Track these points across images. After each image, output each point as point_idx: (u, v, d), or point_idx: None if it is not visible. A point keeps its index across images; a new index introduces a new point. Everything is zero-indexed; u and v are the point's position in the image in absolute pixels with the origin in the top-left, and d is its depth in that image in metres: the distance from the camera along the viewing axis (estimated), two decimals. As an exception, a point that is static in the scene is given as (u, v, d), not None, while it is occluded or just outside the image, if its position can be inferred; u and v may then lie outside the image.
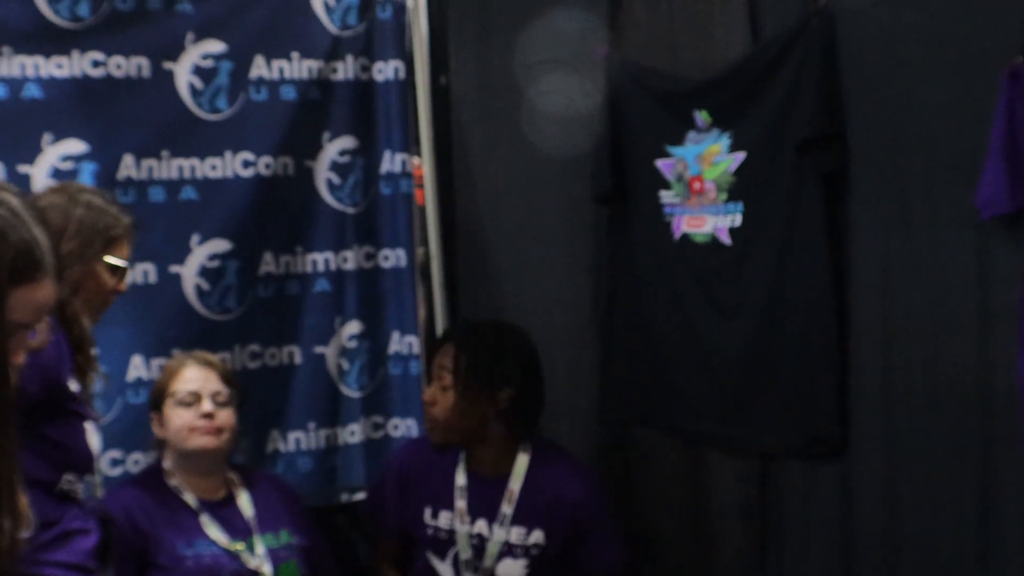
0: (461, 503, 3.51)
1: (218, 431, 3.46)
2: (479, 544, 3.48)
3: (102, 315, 3.03)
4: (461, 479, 3.53)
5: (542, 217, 4.01)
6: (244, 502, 3.53)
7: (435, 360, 3.56)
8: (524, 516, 3.46)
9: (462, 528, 3.49)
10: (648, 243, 3.60)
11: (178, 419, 3.45)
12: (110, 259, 2.96)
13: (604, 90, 3.68)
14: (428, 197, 4.20)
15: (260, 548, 3.46)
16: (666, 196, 3.52)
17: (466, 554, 3.48)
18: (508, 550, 3.46)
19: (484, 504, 3.49)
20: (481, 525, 3.49)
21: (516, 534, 3.46)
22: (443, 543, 3.52)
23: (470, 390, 3.45)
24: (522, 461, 3.51)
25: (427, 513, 3.55)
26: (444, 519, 3.52)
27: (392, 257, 4.11)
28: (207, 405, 3.45)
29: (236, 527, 3.48)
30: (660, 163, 3.52)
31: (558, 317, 3.96)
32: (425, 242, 4.22)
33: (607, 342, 3.79)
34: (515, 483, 3.49)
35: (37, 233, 1.87)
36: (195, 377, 3.49)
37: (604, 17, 3.73)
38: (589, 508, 3.48)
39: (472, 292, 4.20)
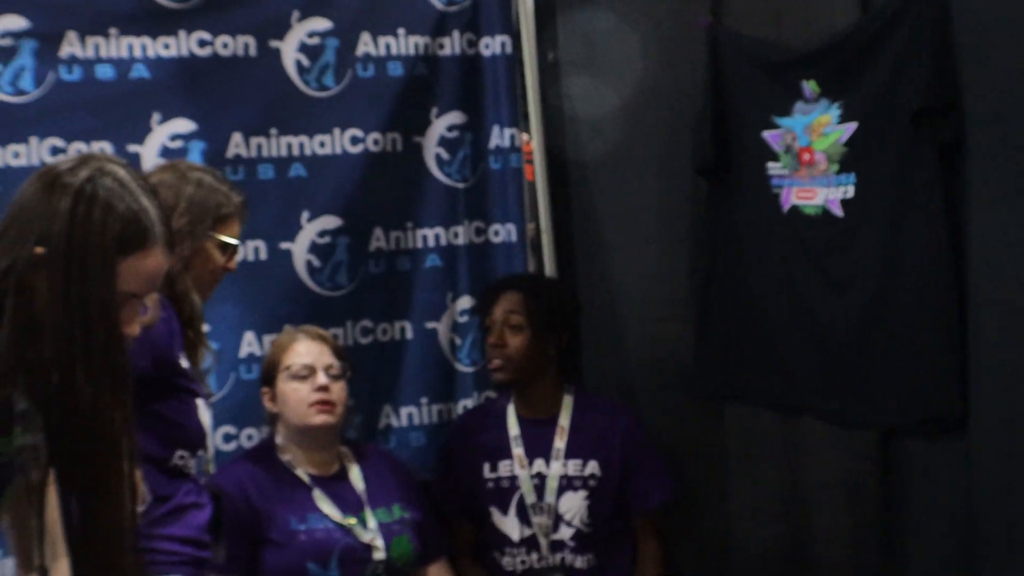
0: (518, 449, 3.73)
1: (333, 406, 3.47)
2: (540, 484, 3.68)
3: (212, 292, 3.05)
4: (514, 428, 3.76)
5: (647, 189, 3.98)
6: (356, 477, 3.55)
7: (495, 307, 3.77)
8: (577, 449, 3.70)
9: (523, 472, 3.69)
10: (753, 216, 3.55)
11: (293, 393, 3.47)
12: (220, 237, 2.97)
13: (707, 61, 3.63)
14: (537, 172, 4.17)
15: (372, 523, 3.47)
16: (773, 168, 3.46)
17: (530, 497, 3.67)
18: (567, 483, 3.67)
19: (538, 444, 3.72)
20: (539, 464, 3.70)
21: (572, 466, 3.69)
22: (505, 492, 3.70)
23: (542, 330, 3.72)
24: (568, 401, 3.78)
25: (486, 468, 3.72)
26: (503, 468, 3.72)
27: (503, 232, 4.10)
28: (321, 378, 3.46)
29: (348, 502, 3.49)
30: (767, 134, 3.47)
31: (656, 291, 3.95)
32: (535, 217, 4.20)
33: (703, 315, 3.76)
34: (564, 420, 3.75)
35: (146, 203, 1.89)
36: (308, 351, 3.50)
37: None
38: (635, 440, 3.73)
39: (581, 266, 4.17)
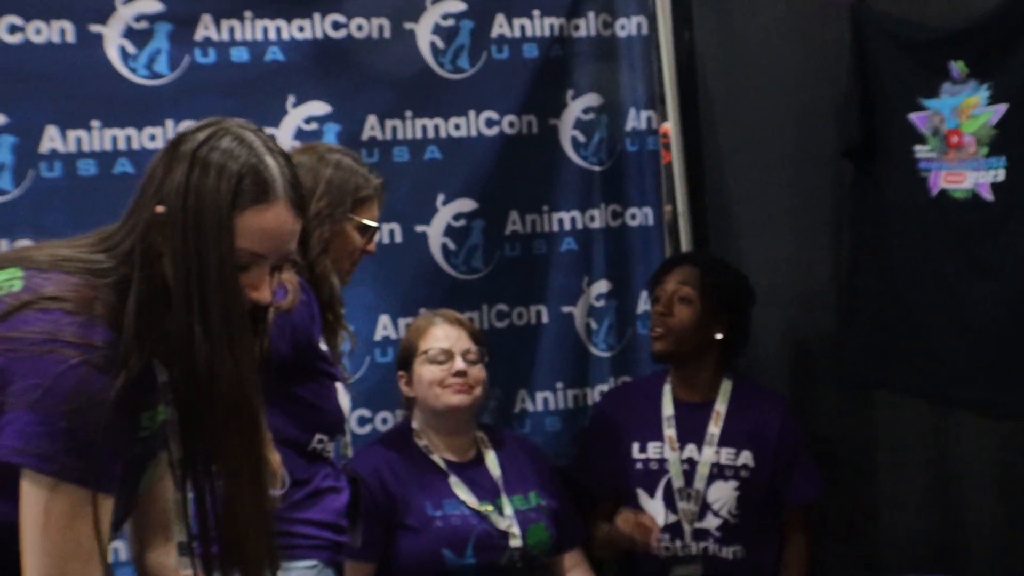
0: (670, 431, 3.64)
1: (470, 388, 3.45)
2: (690, 469, 3.60)
3: (351, 275, 3.04)
4: (668, 408, 3.68)
5: (784, 173, 3.92)
6: (492, 463, 3.53)
7: (670, 279, 3.69)
8: (731, 437, 3.61)
9: (673, 455, 3.61)
10: (900, 200, 3.46)
11: (430, 375, 3.45)
12: (360, 219, 2.95)
13: (850, 41, 3.55)
14: (674, 154, 4.13)
15: (508, 509, 3.45)
16: (920, 151, 3.37)
17: (678, 481, 3.58)
18: (718, 472, 3.59)
19: (692, 428, 3.64)
20: (691, 449, 3.62)
21: (725, 455, 3.60)
22: (653, 475, 3.62)
23: (711, 310, 3.62)
24: (727, 386, 3.69)
25: (635, 448, 3.66)
26: (653, 450, 3.64)
27: (639, 215, 4.05)
28: (459, 362, 3.44)
29: (484, 488, 3.48)
30: (913, 116, 3.38)
31: (797, 276, 3.90)
32: (672, 200, 4.14)
33: (850, 301, 3.68)
34: (721, 406, 3.65)
35: (269, 160, 1.86)
36: (446, 335, 3.48)
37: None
38: (792, 435, 3.63)
39: (718, 250, 4.11)
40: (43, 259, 1.88)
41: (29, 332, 1.76)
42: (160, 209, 1.84)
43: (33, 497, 1.75)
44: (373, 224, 2.99)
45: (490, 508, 3.43)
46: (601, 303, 4.04)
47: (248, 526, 1.92)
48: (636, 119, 4.04)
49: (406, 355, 3.52)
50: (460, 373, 3.43)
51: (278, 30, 3.66)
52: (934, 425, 3.53)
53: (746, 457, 3.59)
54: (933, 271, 3.37)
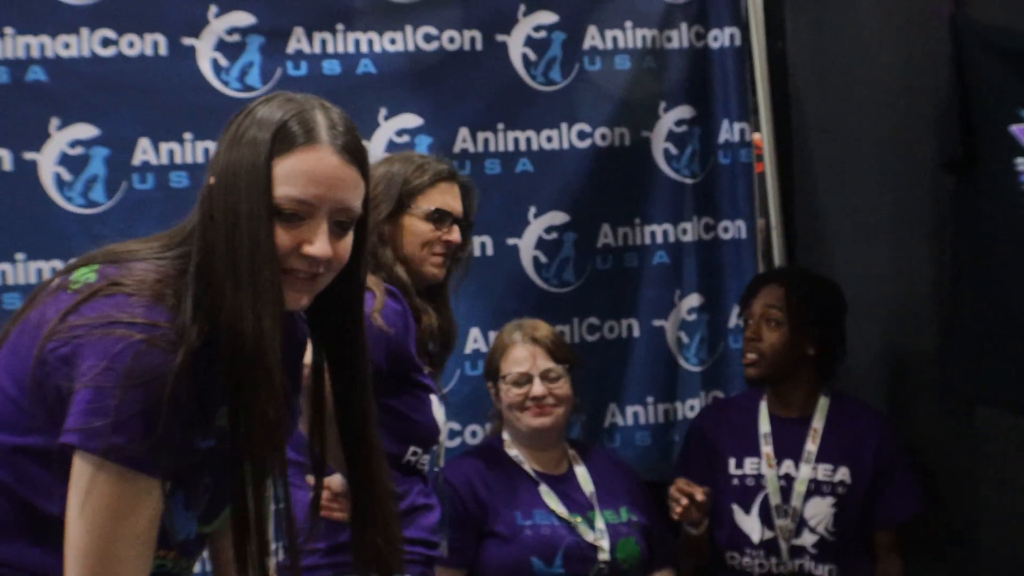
0: (767, 448, 3.60)
1: (550, 409, 3.44)
2: (787, 485, 3.56)
3: (445, 268, 3.00)
4: (764, 425, 3.64)
5: (879, 186, 3.85)
6: (584, 477, 3.51)
7: (757, 300, 3.64)
8: (829, 453, 3.56)
9: (770, 472, 3.57)
10: (1001, 212, 3.39)
11: (509, 398, 3.45)
12: (419, 206, 2.93)
13: (949, 51, 3.49)
14: (767, 167, 4.08)
15: (600, 523, 3.44)
16: (1021, 163, 3.31)
17: (775, 498, 3.54)
18: (815, 488, 3.54)
19: (789, 445, 3.59)
20: (788, 465, 3.58)
21: (822, 471, 3.55)
22: (749, 491, 3.59)
23: (800, 327, 3.57)
24: (823, 403, 3.63)
25: (731, 464, 3.62)
26: (750, 466, 3.61)
27: (732, 229, 4.02)
28: (538, 387, 3.43)
29: (576, 501, 3.47)
30: (1014, 128, 3.31)
31: (894, 289, 3.82)
32: (765, 212, 4.10)
33: (951, 315, 3.61)
34: (818, 422, 3.60)
35: (318, 114, 1.82)
36: (524, 357, 3.46)
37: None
38: (889, 452, 3.56)
39: (812, 262, 4.06)
40: (119, 252, 1.86)
41: (94, 318, 1.73)
42: (212, 180, 1.82)
43: (78, 475, 1.71)
44: (438, 209, 2.95)
45: (580, 520, 3.41)
46: (693, 317, 4.01)
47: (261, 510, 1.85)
48: (729, 131, 4.00)
49: (492, 371, 3.52)
50: (537, 397, 3.42)
51: (370, 42, 3.67)
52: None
53: (843, 473, 3.54)
54: (1035, 285, 3.31)
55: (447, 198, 2.97)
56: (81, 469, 1.70)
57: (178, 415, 1.72)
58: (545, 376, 3.44)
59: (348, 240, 1.86)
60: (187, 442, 1.77)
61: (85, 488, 1.70)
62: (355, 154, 1.84)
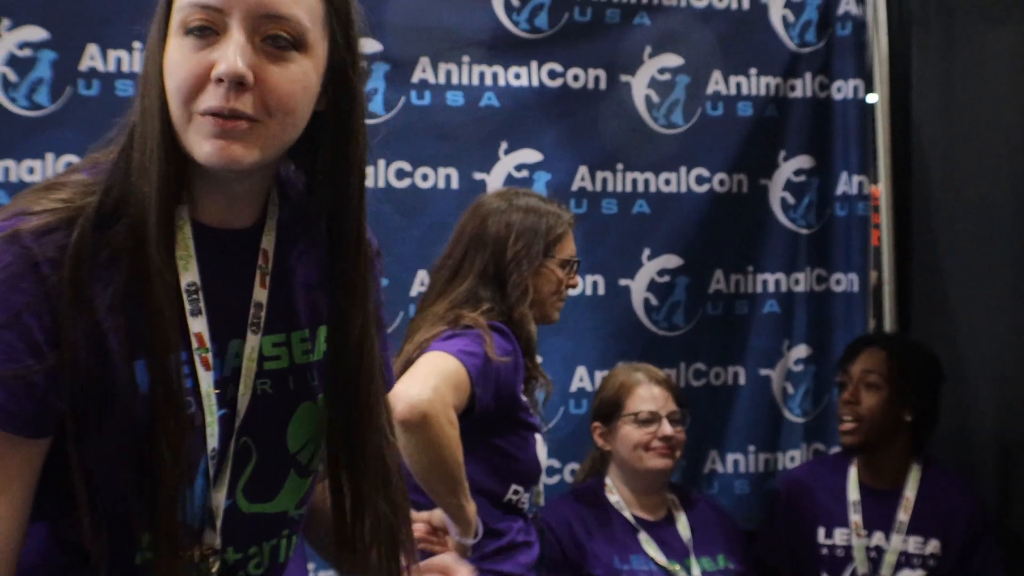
0: (856, 517, 3.58)
1: (673, 451, 3.43)
2: (876, 557, 3.53)
3: (559, 311, 3.03)
4: (854, 493, 3.61)
5: (999, 247, 3.80)
6: (683, 524, 3.49)
7: (856, 363, 3.63)
8: (920, 525, 3.52)
9: (859, 542, 3.54)
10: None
11: (635, 436, 3.42)
12: (559, 256, 2.95)
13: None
14: (883, 220, 4.06)
15: (696, 570, 3.42)
16: None
17: (863, 568, 3.52)
18: (906, 560, 3.51)
19: (879, 515, 3.56)
20: (878, 537, 3.54)
21: (913, 543, 3.51)
22: (839, 561, 3.56)
23: (899, 393, 3.56)
24: (915, 472, 3.59)
25: (820, 533, 3.60)
26: (839, 536, 3.58)
27: (844, 281, 3.99)
28: (667, 427, 3.41)
29: (673, 548, 3.44)
30: None
31: (1008, 353, 3.74)
32: (878, 266, 4.07)
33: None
34: (910, 492, 3.57)
35: None
36: (654, 397, 3.44)
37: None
38: (980, 522, 3.52)
39: (923, 320, 4.02)
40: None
41: None
42: None
43: None
44: (573, 259, 2.99)
45: (678, 567, 3.40)
46: (800, 368, 3.98)
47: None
48: (847, 183, 3.98)
49: (607, 410, 3.48)
50: (666, 438, 3.40)
51: (494, 76, 3.67)
52: None
53: (934, 546, 3.50)
54: None
55: (572, 245, 3.00)
56: None
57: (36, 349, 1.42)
58: (671, 418, 3.43)
59: (295, 71, 1.47)
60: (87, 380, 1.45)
61: None
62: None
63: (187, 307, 1.50)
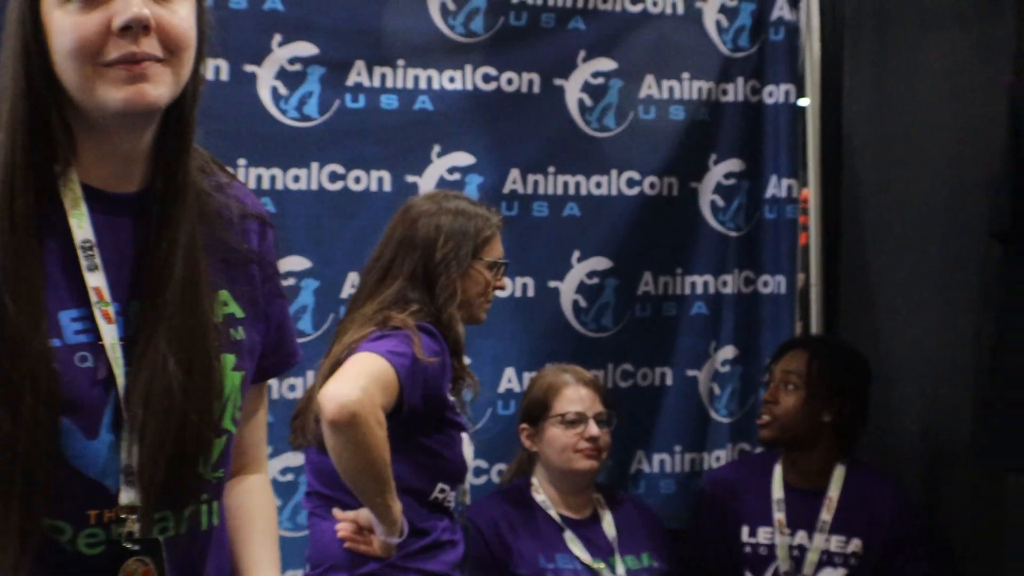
0: (780, 515, 3.60)
1: (599, 452, 3.46)
2: (799, 555, 3.56)
3: (486, 312, 3.06)
4: (778, 492, 3.64)
5: (926, 251, 3.85)
6: (608, 523, 3.53)
7: (780, 363, 3.67)
8: (843, 524, 3.55)
9: (782, 540, 3.58)
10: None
11: (562, 438, 3.45)
12: (486, 259, 2.99)
13: (1007, 121, 3.49)
14: (812, 223, 4.11)
15: (621, 569, 3.45)
16: (1072, 237, 3.31)
17: (786, 566, 3.55)
18: (828, 559, 3.54)
19: (803, 515, 3.59)
20: (801, 536, 3.58)
21: (835, 542, 3.55)
22: (762, 560, 3.60)
23: (817, 394, 3.57)
24: (839, 472, 3.61)
25: (745, 531, 3.63)
26: (763, 535, 3.61)
27: (772, 284, 4.04)
28: (593, 428, 3.44)
29: (598, 546, 3.48)
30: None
31: (936, 355, 3.79)
32: (806, 269, 4.12)
33: (991, 383, 3.60)
34: (834, 492, 3.59)
35: None
36: (581, 398, 3.47)
37: (1010, 42, 3.54)
38: (905, 521, 3.55)
39: (851, 322, 4.07)
40: None
41: None
42: None
43: None
44: (501, 261, 3.03)
45: (602, 566, 3.43)
46: (726, 369, 4.03)
47: None
48: (777, 186, 4.02)
49: (536, 411, 3.50)
50: (592, 439, 3.43)
51: (429, 79, 3.67)
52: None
53: (856, 545, 3.54)
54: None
55: (500, 247, 3.04)
56: None
57: None
58: (598, 419, 3.46)
59: (181, 12, 1.56)
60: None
61: None
62: None
63: (83, 263, 1.55)
